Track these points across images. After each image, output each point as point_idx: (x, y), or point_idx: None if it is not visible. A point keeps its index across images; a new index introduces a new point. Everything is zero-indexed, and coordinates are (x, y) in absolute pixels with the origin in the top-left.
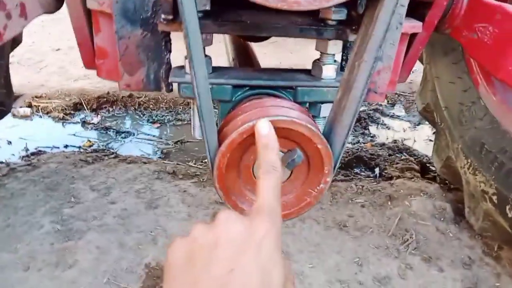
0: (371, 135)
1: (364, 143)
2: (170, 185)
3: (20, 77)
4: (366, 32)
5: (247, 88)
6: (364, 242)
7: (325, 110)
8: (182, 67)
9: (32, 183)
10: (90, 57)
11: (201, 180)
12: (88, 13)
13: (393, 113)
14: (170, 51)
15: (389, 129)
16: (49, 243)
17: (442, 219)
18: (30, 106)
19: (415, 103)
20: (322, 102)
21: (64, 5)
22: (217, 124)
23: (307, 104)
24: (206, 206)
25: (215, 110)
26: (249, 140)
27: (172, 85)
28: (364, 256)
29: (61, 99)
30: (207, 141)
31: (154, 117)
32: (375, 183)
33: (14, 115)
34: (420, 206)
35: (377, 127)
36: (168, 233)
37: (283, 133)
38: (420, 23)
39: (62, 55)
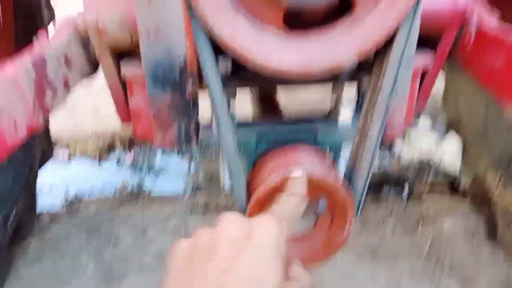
0: (397, 152)
1: (391, 161)
2: (204, 218)
3: (56, 120)
4: (376, 84)
5: (270, 138)
6: (397, 267)
7: (345, 150)
8: (210, 124)
9: (75, 227)
10: (126, 113)
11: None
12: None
13: (419, 125)
14: (198, 110)
15: (415, 145)
16: (94, 285)
17: (476, 238)
18: (67, 149)
19: (440, 115)
20: (341, 144)
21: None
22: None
23: (327, 146)
24: None
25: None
26: (276, 192)
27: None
28: (399, 282)
29: (96, 140)
30: (237, 197)
31: (184, 151)
32: (404, 203)
33: (53, 160)
34: (452, 226)
35: (403, 142)
36: None
37: (308, 182)
38: (430, 59)
39: (95, 95)
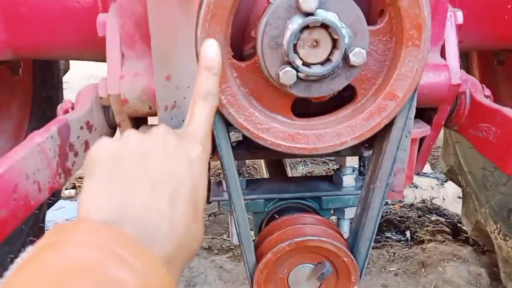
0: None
1: (392, 205)
2: (206, 261)
3: None
4: (377, 162)
5: (277, 199)
6: None
7: (349, 212)
8: (220, 183)
9: None
10: None
11: (236, 254)
12: None
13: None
14: (209, 170)
15: (416, 187)
16: None
17: (478, 285)
18: (74, 187)
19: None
20: (345, 207)
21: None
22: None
23: (332, 209)
24: (242, 281)
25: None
26: (283, 257)
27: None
28: None
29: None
30: (245, 260)
31: None
32: (406, 248)
33: (60, 197)
34: (455, 272)
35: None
36: None
37: (312, 249)
38: (428, 127)
39: None
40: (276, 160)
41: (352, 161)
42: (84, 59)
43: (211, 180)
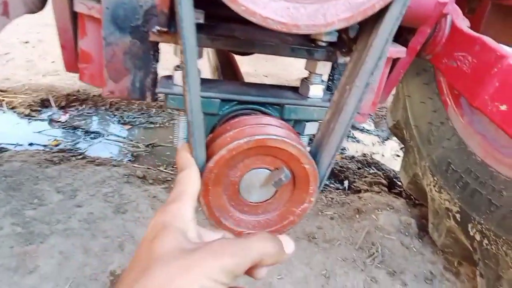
0: (341, 147)
1: None
2: (139, 190)
3: None
4: (359, 57)
5: (235, 102)
6: (332, 255)
7: (310, 128)
8: (170, 77)
9: None
10: (73, 60)
11: (172, 186)
12: (74, 15)
13: (363, 127)
14: (157, 61)
15: (358, 142)
16: (8, 246)
17: (407, 234)
18: None
19: (385, 119)
20: (308, 121)
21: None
22: None
23: (293, 122)
24: None
25: None
26: (237, 157)
27: (157, 94)
28: (332, 269)
29: (27, 95)
30: (195, 155)
31: (125, 118)
32: (344, 195)
33: None
34: (387, 221)
35: (347, 140)
36: (135, 239)
37: (272, 151)
38: (404, 49)
39: (30, 48)
40: (230, 71)
41: (322, 70)
42: None
43: (158, 74)
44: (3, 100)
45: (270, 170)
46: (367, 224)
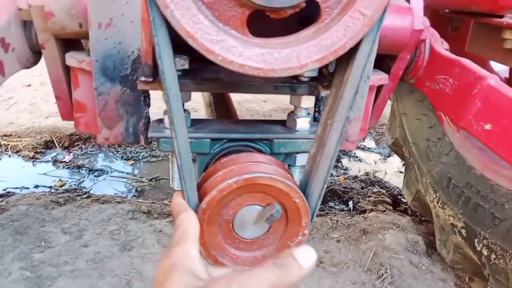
0: (344, 167)
1: (337, 176)
2: (145, 225)
3: None
4: (337, 93)
5: (225, 140)
6: (340, 279)
7: (301, 159)
8: (161, 120)
9: (0, 227)
10: (68, 109)
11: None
12: (67, 68)
13: (364, 145)
14: (148, 106)
15: (360, 161)
16: None
17: (415, 252)
18: None
19: (385, 136)
20: (297, 153)
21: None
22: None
23: (283, 154)
24: None
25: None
26: (229, 196)
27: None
28: None
29: (31, 137)
30: (187, 198)
31: (128, 154)
32: (349, 217)
33: None
34: (394, 240)
35: (349, 160)
36: (143, 276)
37: (262, 188)
38: (386, 75)
39: (33, 91)
40: (223, 106)
41: (307, 103)
42: None
43: (150, 119)
44: (8, 145)
45: (262, 206)
46: (374, 245)
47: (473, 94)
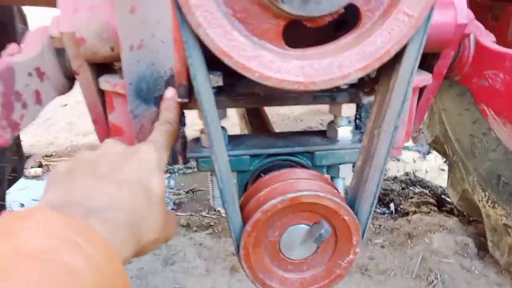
0: None
1: None
2: (185, 238)
3: (29, 136)
4: (382, 101)
5: (264, 155)
6: (388, 286)
7: (344, 170)
8: (197, 140)
9: None
10: (106, 133)
11: (216, 230)
12: (101, 92)
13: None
14: (184, 125)
15: (398, 160)
16: None
17: (465, 255)
18: (40, 166)
19: (423, 133)
20: (340, 164)
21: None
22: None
23: (325, 166)
24: (223, 258)
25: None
26: (274, 216)
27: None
28: None
29: (71, 156)
30: (230, 221)
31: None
32: (392, 220)
33: (25, 176)
34: (442, 243)
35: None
36: None
37: (308, 207)
38: (430, 75)
39: (69, 110)
40: (257, 117)
41: (348, 112)
42: (38, 4)
43: (187, 138)
44: (49, 165)
45: (309, 225)
46: (421, 249)
47: None
